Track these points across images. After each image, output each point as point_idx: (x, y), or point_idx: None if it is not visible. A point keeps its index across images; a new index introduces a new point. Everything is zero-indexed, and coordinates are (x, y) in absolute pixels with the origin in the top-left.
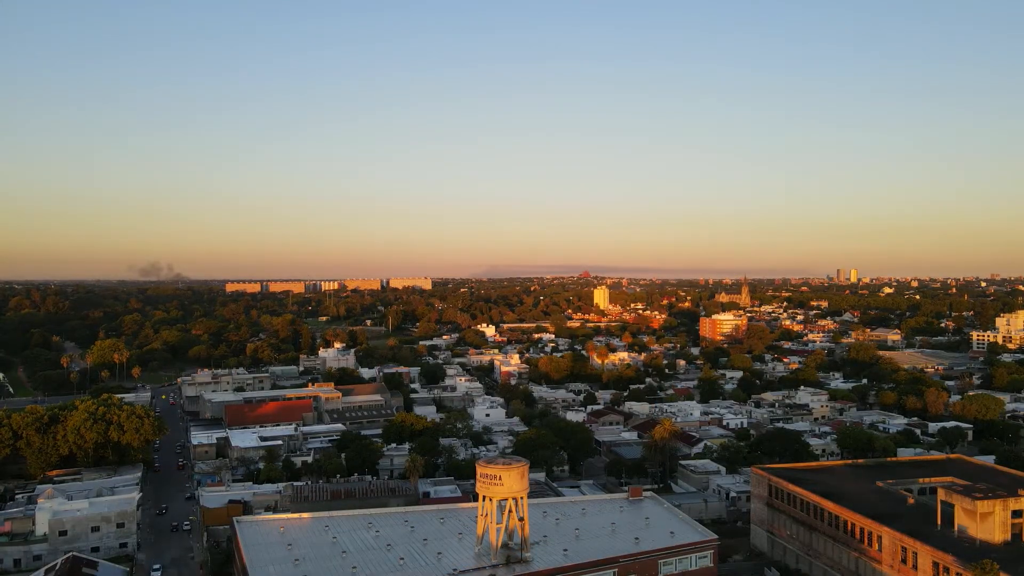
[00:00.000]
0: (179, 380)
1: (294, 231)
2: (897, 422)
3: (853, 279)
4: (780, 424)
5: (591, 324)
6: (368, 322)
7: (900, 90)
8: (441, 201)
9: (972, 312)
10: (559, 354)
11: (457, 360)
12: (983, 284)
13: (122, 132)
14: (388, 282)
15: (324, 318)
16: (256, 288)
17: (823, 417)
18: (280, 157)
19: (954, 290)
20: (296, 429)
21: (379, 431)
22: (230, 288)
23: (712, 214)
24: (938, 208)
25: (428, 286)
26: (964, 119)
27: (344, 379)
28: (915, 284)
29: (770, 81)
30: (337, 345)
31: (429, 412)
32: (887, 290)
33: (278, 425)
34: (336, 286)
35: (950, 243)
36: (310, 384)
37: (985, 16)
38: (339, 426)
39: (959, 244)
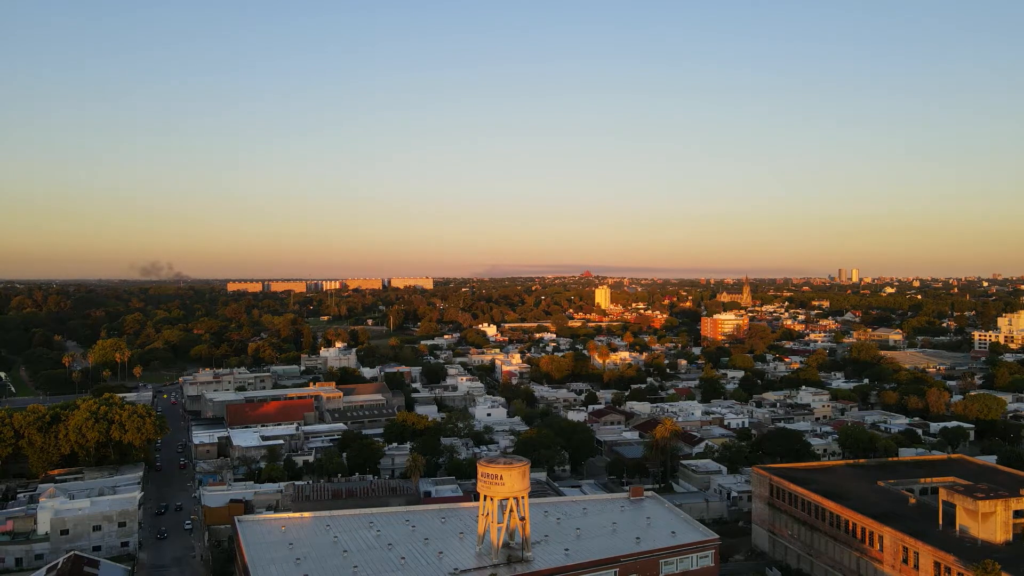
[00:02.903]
0: (181, 379)
1: (295, 231)
2: (899, 422)
3: (855, 279)
4: (782, 424)
5: (592, 324)
6: (369, 321)
7: (901, 89)
8: (442, 201)
9: (974, 312)
10: (560, 354)
11: (458, 360)
12: (985, 284)
13: (123, 132)
14: (389, 282)
15: (326, 317)
16: (258, 288)
17: (825, 417)
18: (281, 157)
19: (956, 290)
20: (297, 428)
21: (380, 430)
22: (231, 287)
23: (714, 214)
24: (940, 208)
25: (430, 286)
26: (966, 118)
27: (345, 378)
28: (917, 284)
29: (771, 80)
30: (338, 344)
31: (430, 411)
32: (889, 290)
33: (279, 424)
34: (338, 286)
35: (952, 243)
36: (312, 383)
37: (987, 14)
38: (340, 425)
39: (961, 244)
